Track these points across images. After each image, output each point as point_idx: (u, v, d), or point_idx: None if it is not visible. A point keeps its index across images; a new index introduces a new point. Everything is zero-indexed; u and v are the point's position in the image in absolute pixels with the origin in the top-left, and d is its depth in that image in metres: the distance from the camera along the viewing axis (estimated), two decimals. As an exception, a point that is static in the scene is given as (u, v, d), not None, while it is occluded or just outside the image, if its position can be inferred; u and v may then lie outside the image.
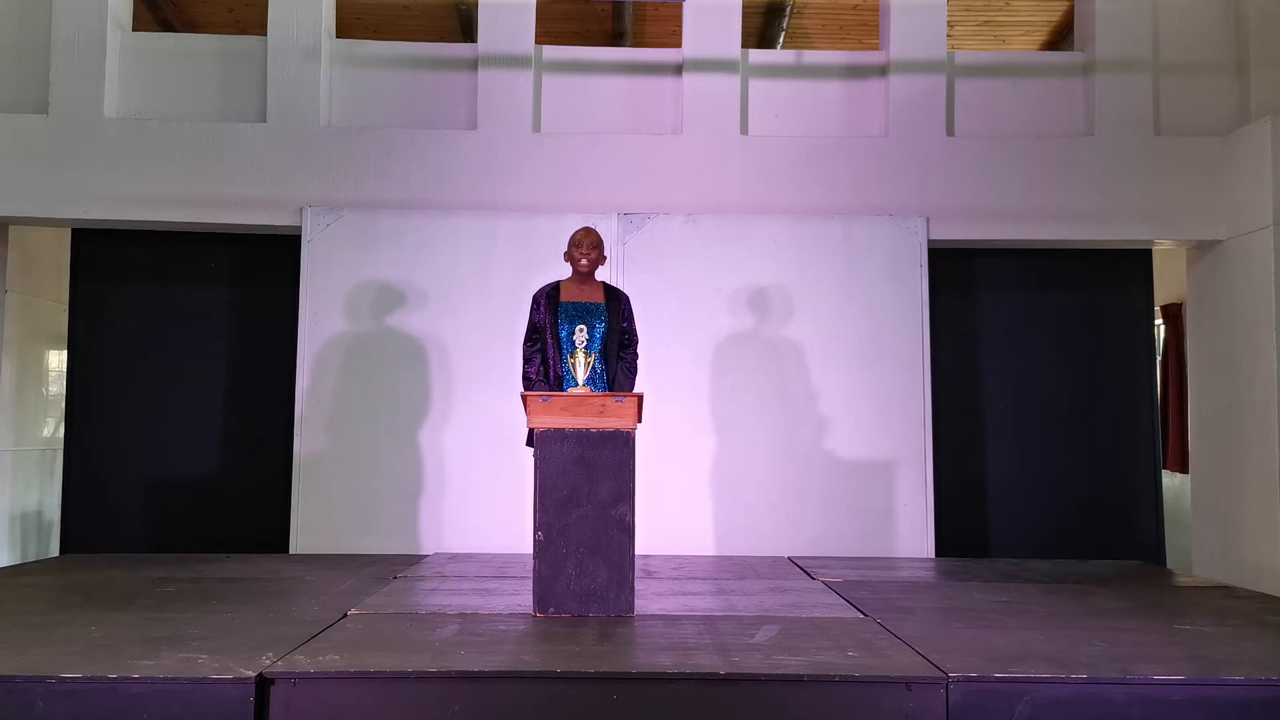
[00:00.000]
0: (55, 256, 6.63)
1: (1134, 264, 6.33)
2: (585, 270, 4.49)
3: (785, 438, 5.84)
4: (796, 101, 6.20)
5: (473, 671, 2.97)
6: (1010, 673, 2.99)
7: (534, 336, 4.52)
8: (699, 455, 5.80)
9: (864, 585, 4.67)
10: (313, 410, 5.76)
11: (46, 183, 5.77)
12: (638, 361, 4.62)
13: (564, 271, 4.68)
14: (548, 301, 4.49)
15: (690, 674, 2.98)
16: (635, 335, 4.62)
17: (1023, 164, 6.00)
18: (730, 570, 5.16)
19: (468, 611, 3.92)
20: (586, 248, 4.48)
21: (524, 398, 4.01)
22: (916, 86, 6.05)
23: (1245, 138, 5.76)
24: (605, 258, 4.62)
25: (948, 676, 2.94)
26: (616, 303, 4.54)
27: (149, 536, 5.94)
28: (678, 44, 6.17)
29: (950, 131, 6.14)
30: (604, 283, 4.61)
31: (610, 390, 4.39)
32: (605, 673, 2.99)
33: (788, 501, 5.81)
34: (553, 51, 6.19)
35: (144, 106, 6.02)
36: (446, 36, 7.80)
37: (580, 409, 3.94)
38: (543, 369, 4.45)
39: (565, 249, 4.57)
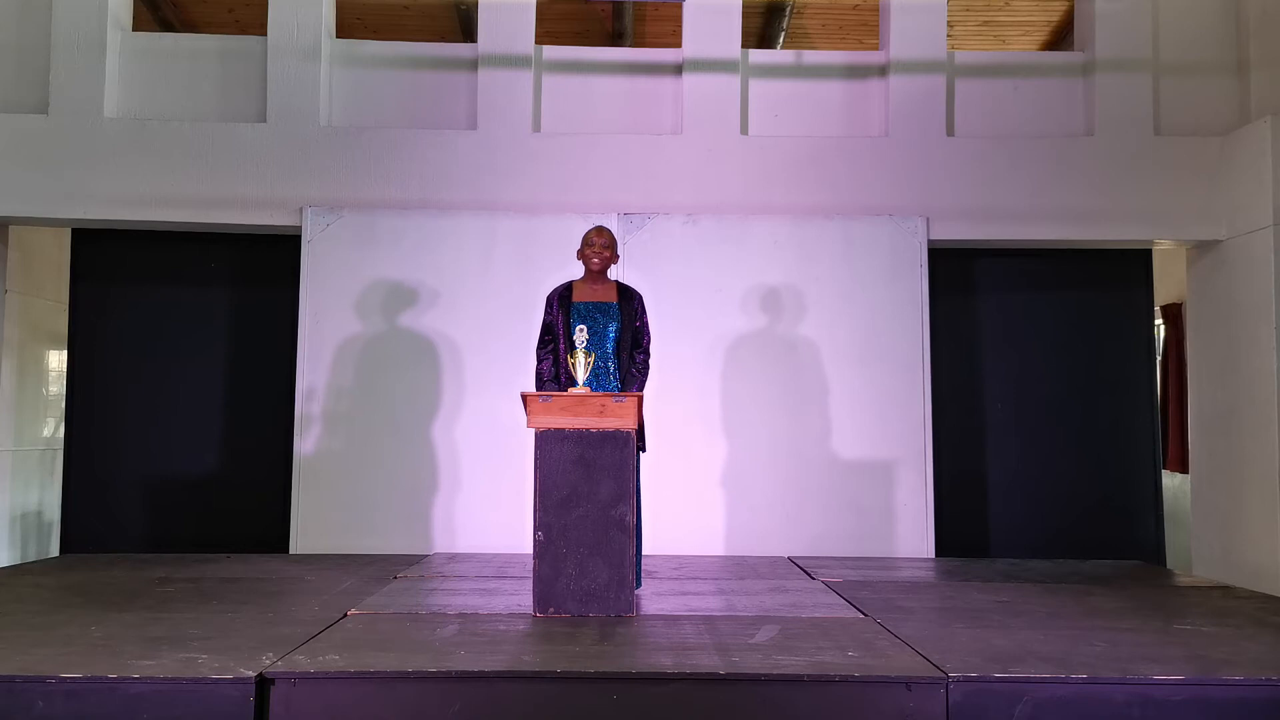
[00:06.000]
0: (55, 256, 6.64)
1: (1134, 264, 6.33)
2: (596, 269, 4.48)
3: (785, 438, 5.84)
4: (796, 101, 6.20)
5: (473, 671, 2.97)
6: (1010, 673, 2.99)
7: (546, 337, 4.51)
8: (699, 455, 5.80)
9: (864, 585, 4.67)
10: (312, 410, 5.76)
11: (46, 183, 5.77)
12: (649, 361, 4.55)
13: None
14: (560, 301, 4.48)
15: (690, 674, 2.98)
16: (648, 334, 4.55)
17: (1023, 164, 6.00)
18: (730, 570, 5.16)
19: (468, 611, 3.92)
20: (599, 247, 4.46)
21: (524, 397, 4.01)
22: (916, 86, 6.05)
23: (1245, 138, 5.76)
24: (618, 257, 4.61)
25: (948, 676, 2.95)
26: (629, 302, 4.50)
27: (149, 536, 5.95)
28: (678, 44, 6.17)
29: (950, 131, 6.14)
30: (618, 282, 4.59)
31: (623, 390, 4.38)
32: (605, 673, 2.99)
33: (788, 501, 5.81)
34: (553, 51, 6.19)
35: (144, 106, 6.02)
36: (446, 36, 7.80)
37: (580, 409, 3.94)
38: (555, 369, 4.45)
39: (578, 248, 4.56)
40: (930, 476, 5.83)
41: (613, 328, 4.43)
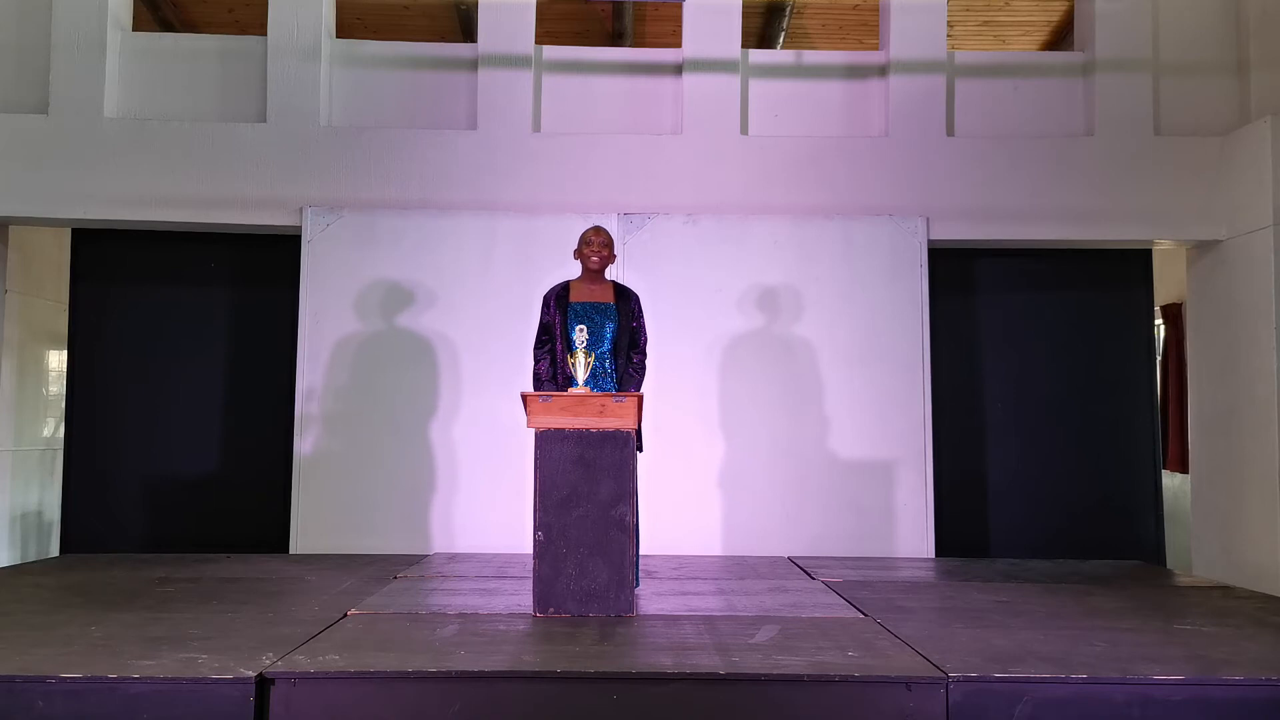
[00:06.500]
0: (55, 256, 6.64)
1: (1134, 264, 6.33)
2: (595, 268, 4.48)
3: (785, 438, 5.84)
4: (796, 101, 6.20)
5: (473, 671, 2.97)
6: (1010, 673, 2.99)
7: (543, 338, 4.50)
8: (699, 455, 5.80)
9: (864, 585, 4.67)
10: (312, 410, 5.76)
11: (46, 183, 5.77)
12: (646, 361, 4.57)
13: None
14: (557, 301, 4.47)
15: (690, 674, 2.98)
16: (645, 335, 4.57)
17: (1023, 164, 6.00)
18: (730, 570, 5.16)
19: (468, 611, 3.92)
20: (598, 246, 4.46)
21: (524, 397, 4.01)
22: (916, 86, 6.05)
23: (1245, 138, 5.76)
24: (615, 256, 4.62)
25: (948, 676, 2.95)
26: (627, 302, 4.51)
27: (149, 536, 5.95)
28: (678, 44, 6.17)
29: (950, 131, 6.14)
30: (614, 282, 4.59)
31: (619, 390, 4.38)
32: (605, 673, 2.99)
33: (788, 501, 5.81)
34: (553, 51, 6.19)
35: (144, 106, 6.02)
36: (446, 36, 7.80)
37: (580, 409, 3.94)
38: (552, 369, 4.45)
39: (575, 247, 4.56)
40: (930, 476, 5.83)
41: (610, 328, 4.43)
